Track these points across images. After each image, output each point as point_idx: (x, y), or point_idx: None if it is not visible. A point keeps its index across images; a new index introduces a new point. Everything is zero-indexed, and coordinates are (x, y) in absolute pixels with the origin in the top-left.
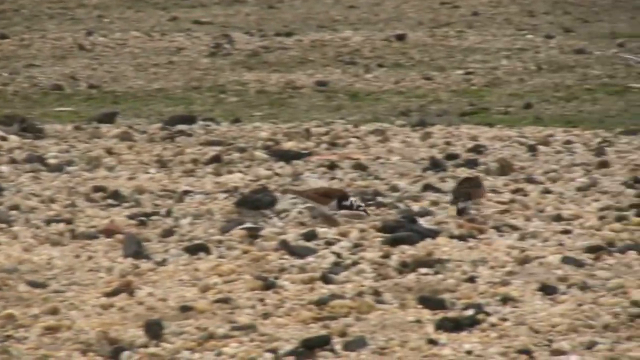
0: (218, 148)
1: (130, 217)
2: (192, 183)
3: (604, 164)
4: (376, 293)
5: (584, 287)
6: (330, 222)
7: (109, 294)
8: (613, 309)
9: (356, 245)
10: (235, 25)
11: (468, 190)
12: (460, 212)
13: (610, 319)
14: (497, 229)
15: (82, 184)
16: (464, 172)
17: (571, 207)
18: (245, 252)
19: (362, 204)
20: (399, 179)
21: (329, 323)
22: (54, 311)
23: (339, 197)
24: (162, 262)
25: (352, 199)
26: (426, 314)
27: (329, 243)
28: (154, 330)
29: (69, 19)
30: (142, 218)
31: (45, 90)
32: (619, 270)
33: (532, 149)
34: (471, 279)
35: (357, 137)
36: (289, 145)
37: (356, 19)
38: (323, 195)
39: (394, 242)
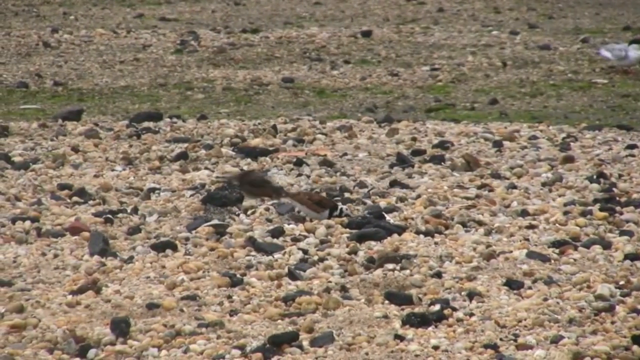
0: (184, 145)
1: (97, 214)
2: (158, 180)
3: (568, 159)
4: (343, 289)
5: (549, 282)
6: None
7: (75, 292)
8: (578, 303)
9: (323, 242)
10: (201, 22)
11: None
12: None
13: (575, 313)
14: (463, 224)
15: (48, 181)
16: (430, 168)
17: (536, 202)
18: (212, 249)
19: (349, 214)
20: (366, 175)
21: (296, 319)
22: (20, 309)
23: (331, 208)
24: (129, 260)
25: (342, 207)
26: (393, 309)
27: (296, 239)
28: (120, 327)
29: (34, 16)
30: (109, 215)
31: (10, 87)
32: (584, 265)
33: (497, 144)
34: (437, 275)
35: (324, 134)
36: (255, 142)
37: (322, 15)
38: (317, 204)
39: (361, 238)
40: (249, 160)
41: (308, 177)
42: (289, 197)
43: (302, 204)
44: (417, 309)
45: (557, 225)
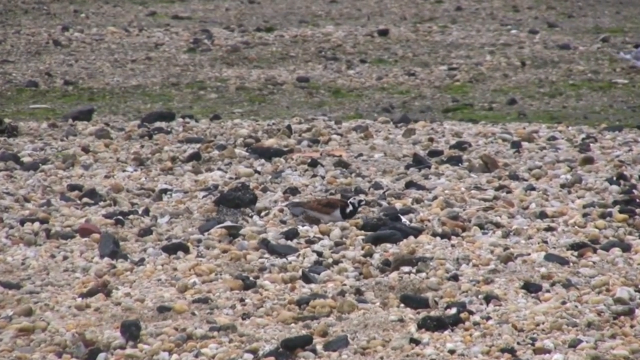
0: (197, 145)
1: (107, 216)
2: (170, 181)
3: (588, 161)
4: (358, 292)
5: (567, 285)
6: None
7: (84, 295)
8: (597, 306)
9: (338, 244)
10: (215, 20)
11: None
12: None
13: (594, 317)
14: (481, 226)
15: (58, 182)
16: (447, 169)
17: (555, 204)
18: (225, 251)
19: (362, 199)
20: (381, 176)
21: (310, 323)
22: (29, 312)
23: (341, 206)
24: (140, 262)
25: (350, 200)
26: (409, 312)
27: (310, 242)
28: (131, 331)
29: (44, 14)
30: (119, 217)
31: (20, 87)
32: (603, 268)
33: (516, 145)
34: (454, 278)
35: (339, 134)
36: (269, 142)
37: (338, 14)
38: (326, 206)
39: (376, 241)
40: (262, 160)
41: (323, 178)
42: (299, 206)
43: (312, 210)
44: (433, 313)
45: (576, 227)
